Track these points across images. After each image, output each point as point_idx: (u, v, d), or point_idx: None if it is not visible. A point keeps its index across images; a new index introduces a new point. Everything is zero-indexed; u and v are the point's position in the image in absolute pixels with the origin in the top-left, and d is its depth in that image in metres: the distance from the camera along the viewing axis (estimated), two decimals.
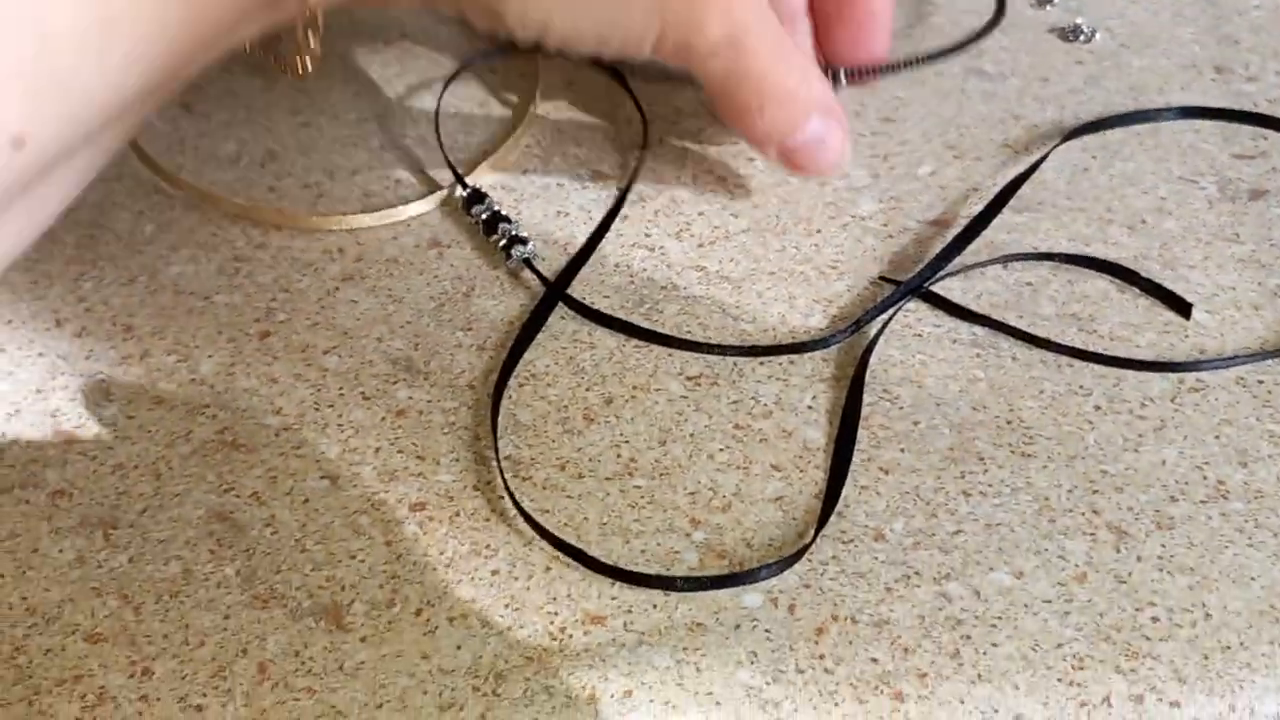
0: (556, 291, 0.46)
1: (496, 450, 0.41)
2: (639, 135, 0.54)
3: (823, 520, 0.39)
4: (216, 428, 0.43)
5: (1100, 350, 0.45)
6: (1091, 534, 0.39)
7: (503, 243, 0.48)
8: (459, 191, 0.50)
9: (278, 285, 0.47)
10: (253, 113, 0.55)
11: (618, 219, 0.50)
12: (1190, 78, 0.56)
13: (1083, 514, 0.40)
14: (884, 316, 0.46)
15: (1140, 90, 0.56)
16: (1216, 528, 0.40)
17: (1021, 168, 0.52)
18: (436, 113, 0.54)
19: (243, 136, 0.54)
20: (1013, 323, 0.46)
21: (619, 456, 0.42)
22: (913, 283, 0.46)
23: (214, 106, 0.55)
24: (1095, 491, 0.41)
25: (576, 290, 0.47)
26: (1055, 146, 0.52)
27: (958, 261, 0.48)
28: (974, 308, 0.46)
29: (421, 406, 0.43)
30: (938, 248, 0.48)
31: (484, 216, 0.49)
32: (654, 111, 0.55)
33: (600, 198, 0.51)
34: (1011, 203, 0.50)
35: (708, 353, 0.45)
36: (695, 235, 0.49)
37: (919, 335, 0.46)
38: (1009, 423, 0.43)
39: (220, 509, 0.40)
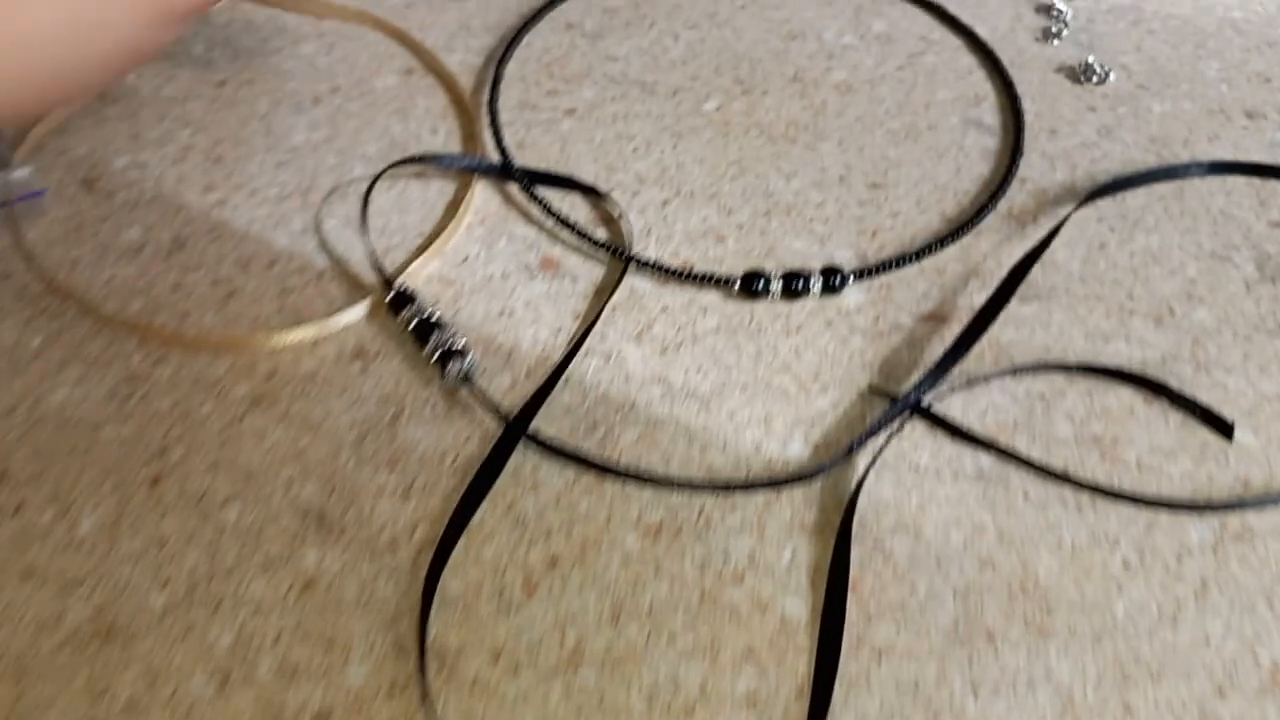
0: (515, 431, 0.37)
1: (423, 646, 0.32)
2: (597, 212, 0.44)
3: None
4: (92, 610, 0.34)
5: (1128, 484, 0.36)
6: None
7: (435, 355, 0.38)
8: (383, 294, 0.41)
9: (176, 412, 0.38)
10: (161, 189, 0.45)
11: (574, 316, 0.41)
12: (1218, 125, 0.46)
13: (1114, 716, 0.31)
14: (875, 441, 0.37)
15: (1162, 142, 0.46)
16: None
17: (1028, 243, 0.42)
18: (366, 196, 0.44)
19: (149, 220, 0.44)
20: (1024, 447, 0.37)
21: (563, 641, 0.33)
22: (908, 400, 0.37)
23: (118, 182, 0.46)
24: (1127, 679, 0.32)
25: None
26: (1066, 218, 0.42)
27: (959, 371, 0.38)
28: (978, 429, 0.37)
29: (333, 575, 0.34)
30: (935, 350, 0.39)
31: (413, 323, 0.39)
32: (618, 184, 0.45)
33: (550, 292, 0.41)
34: (1020, 291, 0.41)
35: (672, 490, 0.36)
36: (657, 338, 0.40)
37: (915, 467, 0.36)
38: (1023, 588, 0.34)
39: None
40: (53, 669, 0.33)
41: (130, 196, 0.45)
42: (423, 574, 0.34)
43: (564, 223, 0.42)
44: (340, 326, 0.41)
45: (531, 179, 0.44)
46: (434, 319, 0.40)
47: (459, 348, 0.39)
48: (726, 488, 0.36)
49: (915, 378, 0.38)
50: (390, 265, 0.42)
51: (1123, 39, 0.50)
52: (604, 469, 0.36)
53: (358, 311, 0.41)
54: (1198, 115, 0.47)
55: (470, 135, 0.47)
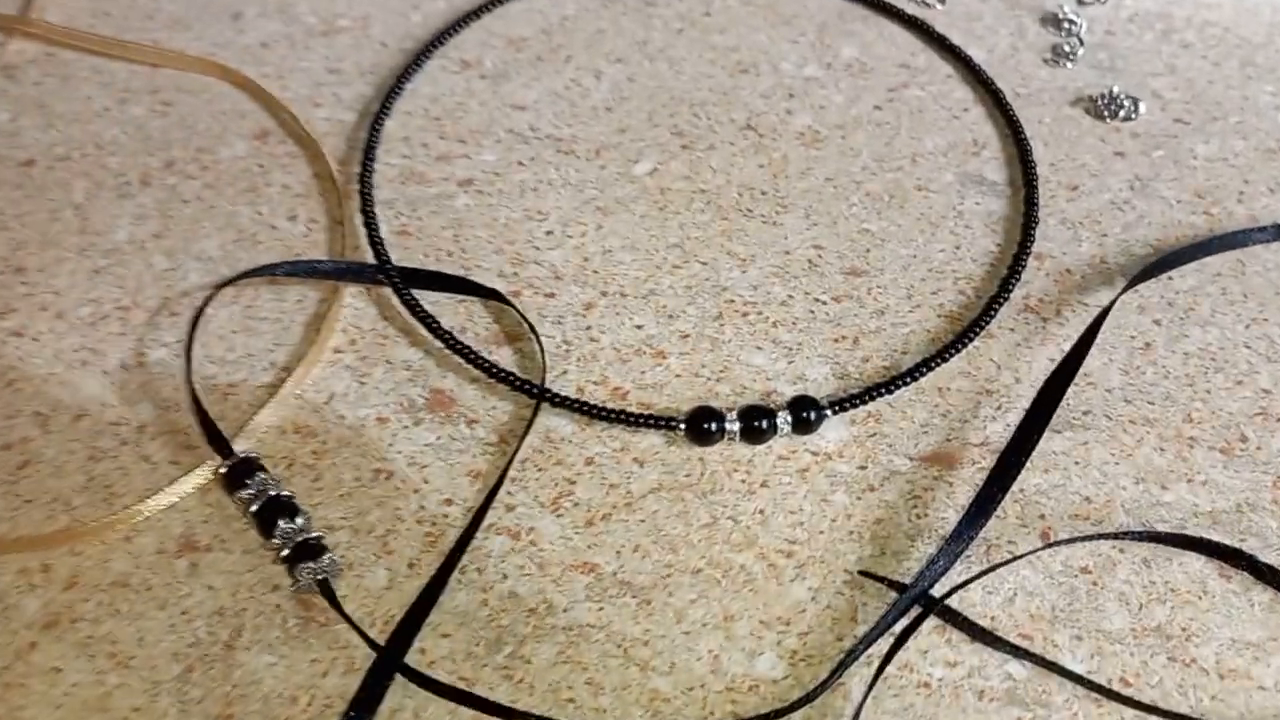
0: (389, 662, 0.28)
1: None
2: (502, 326, 0.35)
3: None
4: None
5: (1206, 699, 0.27)
6: None
7: (285, 551, 0.29)
8: (217, 465, 0.31)
9: None
10: None
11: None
12: (1279, 169, 0.37)
13: None
14: (873, 649, 0.28)
15: (1212, 197, 0.37)
16: None
17: (1053, 346, 0.33)
18: (192, 330, 0.35)
19: None
20: (1067, 649, 0.28)
21: None
22: (915, 590, 0.28)
23: None
24: None
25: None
26: (1105, 313, 0.33)
27: (977, 543, 0.29)
28: (1005, 622, 0.28)
29: None
30: (943, 507, 0.30)
31: (255, 507, 0.30)
32: (528, 281, 0.36)
33: (441, 443, 0.32)
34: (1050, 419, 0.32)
35: None
36: (581, 504, 0.31)
37: (925, 684, 0.28)
38: None
39: None
40: None
41: None
42: None
43: (458, 348, 0.33)
44: (163, 507, 0.31)
45: (411, 282, 0.35)
46: (282, 497, 0.30)
47: (313, 538, 0.30)
48: None
49: (919, 553, 0.29)
50: (232, 412, 0.33)
51: (1151, 57, 0.41)
52: (507, 715, 0.27)
53: (185, 486, 0.32)
54: (1253, 157, 0.38)
55: (338, 220, 0.38)
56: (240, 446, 0.32)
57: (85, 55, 0.43)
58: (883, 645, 0.28)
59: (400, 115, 0.41)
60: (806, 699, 0.27)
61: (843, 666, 0.28)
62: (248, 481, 0.31)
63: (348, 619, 0.29)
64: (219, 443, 0.32)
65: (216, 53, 0.43)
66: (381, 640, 0.29)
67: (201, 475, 0.32)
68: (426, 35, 0.43)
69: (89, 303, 0.36)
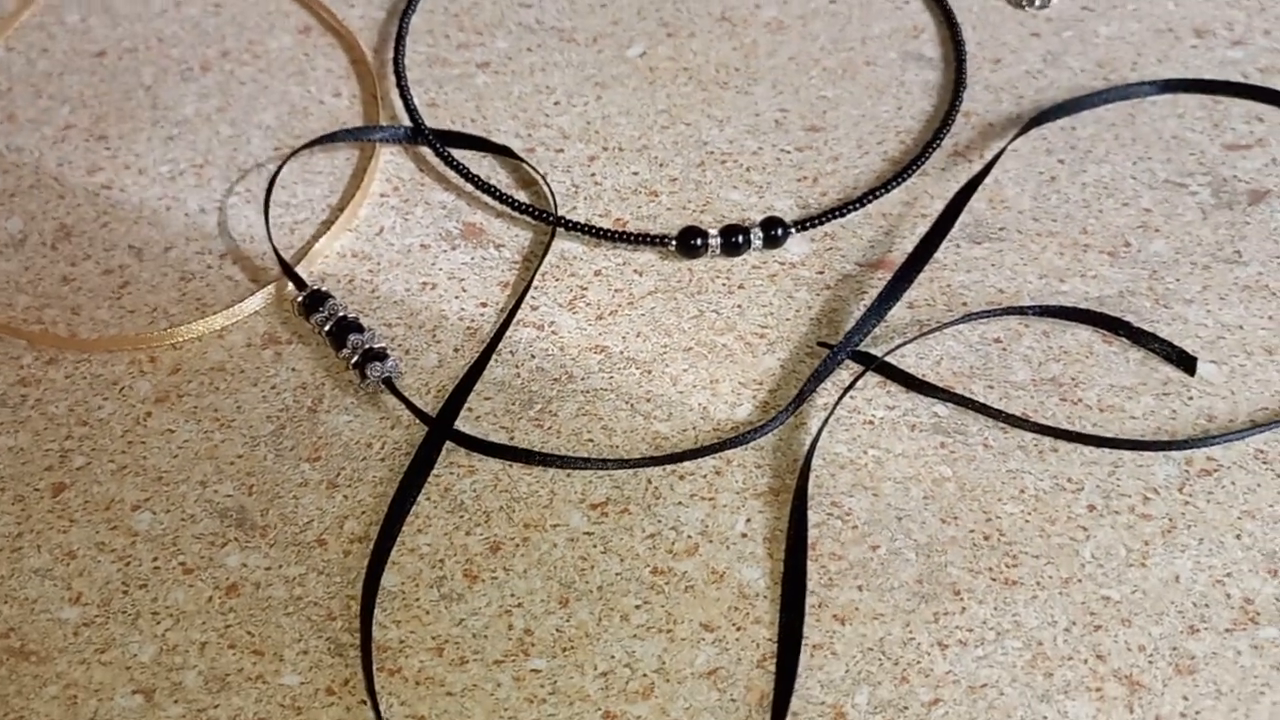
0: (441, 429, 0.37)
1: (367, 646, 0.33)
2: (520, 173, 0.45)
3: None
4: (1, 629, 0.34)
5: (1089, 425, 0.37)
6: (1098, 689, 0.32)
7: (355, 359, 0.39)
8: (294, 294, 0.41)
9: (74, 417, 0.39)
10: (41, 174, 0.45)
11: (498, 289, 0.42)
12: (1167, 45, 0.48)
13: (1085, 661, 0.33)
14: (827, 398, 0.38)
15: (1110, 66, 0.47)
16: (1249, 666, 0.33)
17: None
18: (269, 189, 0.44)
19: (30, 208, 0.44)
20: (981, 395, 0.38)
21: (511, 628, 0.34)
22: (849, 347, 0.38)
23: None
24: (1098, 628, 0.33)
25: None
26: (1007, 145, 0.44)
27: (911, 320, 0.40)
28: (933, 378, 0.38)
29: (259, 577, 0.35)
30: (892, 306, 0.40)
31: (328, 327, 0.40)
32: (540, 141, 0.46)
33: (475, 261, 0.42)
34: (969, 232, 0.42)
35: (614, 469, 0.37)
36: (592, 304, 0.41)
37: (870, 421, 0.38)
38: (987, 538, 0.35)
39: None
40: None
41: (8, 184, 0.45)
42: (355, 570, 0.35)
43: (485, 188, 0.43)
44: (248, 313, 0.41)
45: (445, 141, 0.45)
46: (349, 318, 0.40)
47: (377, 347, 0.39)
48: (670, 457, 0.37)
49: (857, 324, 0.39)
50: (298, 242, 0.42)
51: None
52: (542, 460, 0.37)
53: (266, 296, 0.41)
54: (1146, 36, 0.48)
55: (374, 97, 0.47)
56: (306, 270, 0.42)
57: None
58: (834, 395, 0.39)
59: (424, 13, 0.51)
60: (771, 422, 0.37)
61: (798, 401, 0.38)
62: (320, 308, 0.40)
63: (411, 405, 0.38)
64: (295, 279, 0.41)
65: None
66: (435, 409, 0.38)
67: (277, 290, 0.41)
68: None
69: (166, 162, 0.46)
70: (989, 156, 0.44)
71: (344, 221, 0.43)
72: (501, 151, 0.45)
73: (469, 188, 0.44)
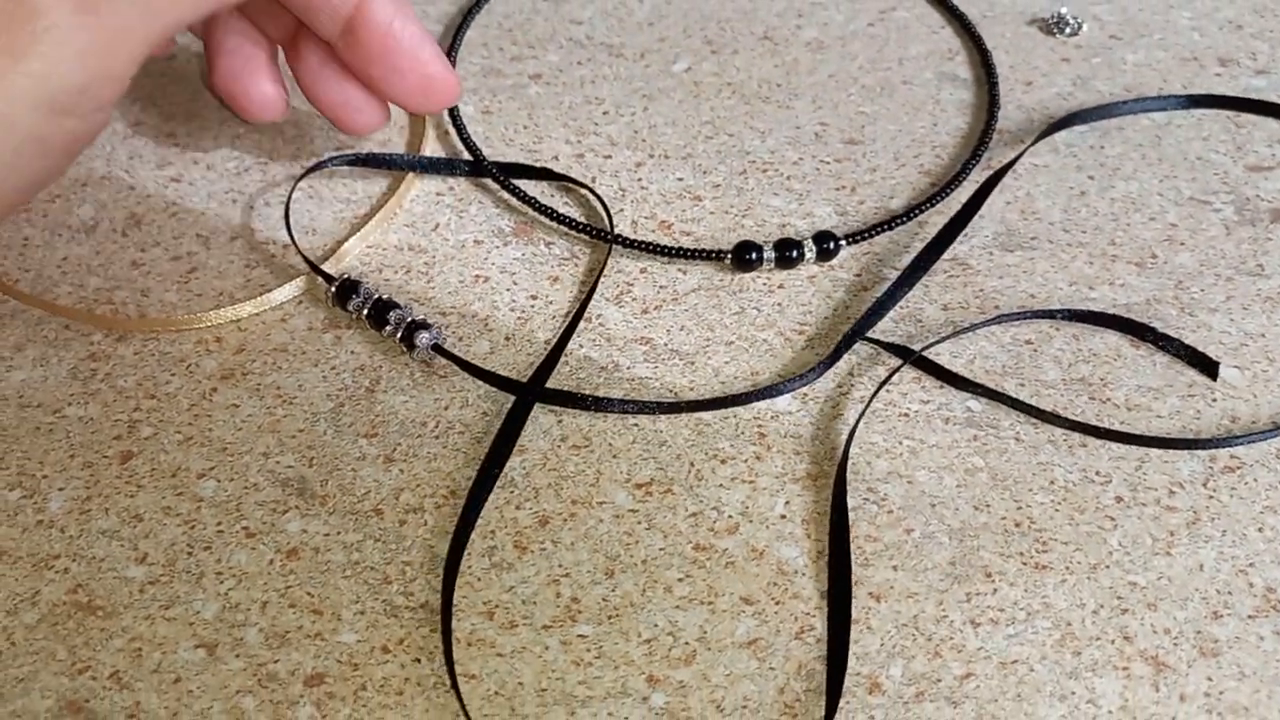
0: (533, 393, 0.39)
1: (447, 614, 0.34)
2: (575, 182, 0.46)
3: (832, 704, 0.33)
4: (69, 585, 0.36)
5: (1116, 423, 0.39)
6: (1125, 668, 0.33)
7: (399, 334, 0.40)
8: (326, 287, 0.42)
9: (142, 390, 0.40)
10: (113, 166, 0.47)
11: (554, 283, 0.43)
12: (1192, 73, 0.50)
13: (1112, 642, 0.34)
14: (863, 392, 0.39)
15: (1137, 91, 0.49)
16: (1271, 651, 0.34)
17: (1006, 193, 0.45)
18: (290, 196, 0.46)
19: (101, 198, 0.46)
20: (1013, 392, 0.39)
21: (558, 596, 0.35)
22: (860, 330, 0.40)
23: None
24: (1125, 611, 0.34)
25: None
26: (1040, 139, 0.45)
27: (945, 320, 0.41)
28: (967, 375, 0.40)
29: (318, 542, 0.36)
30: (919, 299, 0.42)
31: (366, 310, 0.41)
32: (589, 148, 0.47)
33: (526, 257, 0.44)
34: (1003, 240, 0.43)
35: (658, 413, 0.38)
36: (638, 299, 0.42)
37: (905, 414, 0.39)
38: (1018, 525, 0.36)
39: (74, 696, 0.33)
40: (31, 647, 0.34)
41: (80, 174, 0.47)
42: (410, 539, 0.36)
43: (544, 210, 0.44)
44: (277, 303, 0.42)
45: (505, 172, 0.46)
46: (385, 299, 0.41)
47: (419, 319, 0.40)
48: (723, 402, 0.38)
49: (877, 302, 0.40)
50: (350, 234, 0.44)
51: None
52: (624, 406, 0.38)
53: (295, 288, 0.43)
54: (1171, 64, 0.50)
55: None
56: (362, 261, 0.44)
57: None
58: (871, 389, 0.40)
59: (479, 27, 0.52)
60: (810, 372, 0.39)
61: (829, 360, 0.39)
62: (355, 294, 0.42)
63: (470, 366, 0.40)
64: (321, 273, 0.42)
65: None
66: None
67: (306, 281, 0.43)
68: None
69: (233, 158, 0.48)
70: (1020, 170, 0.46)
71: (376, 224, 0.44)
72: (560, 178, 0.46)
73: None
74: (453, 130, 0.48)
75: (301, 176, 0.45)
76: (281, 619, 0.35)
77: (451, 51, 0.51)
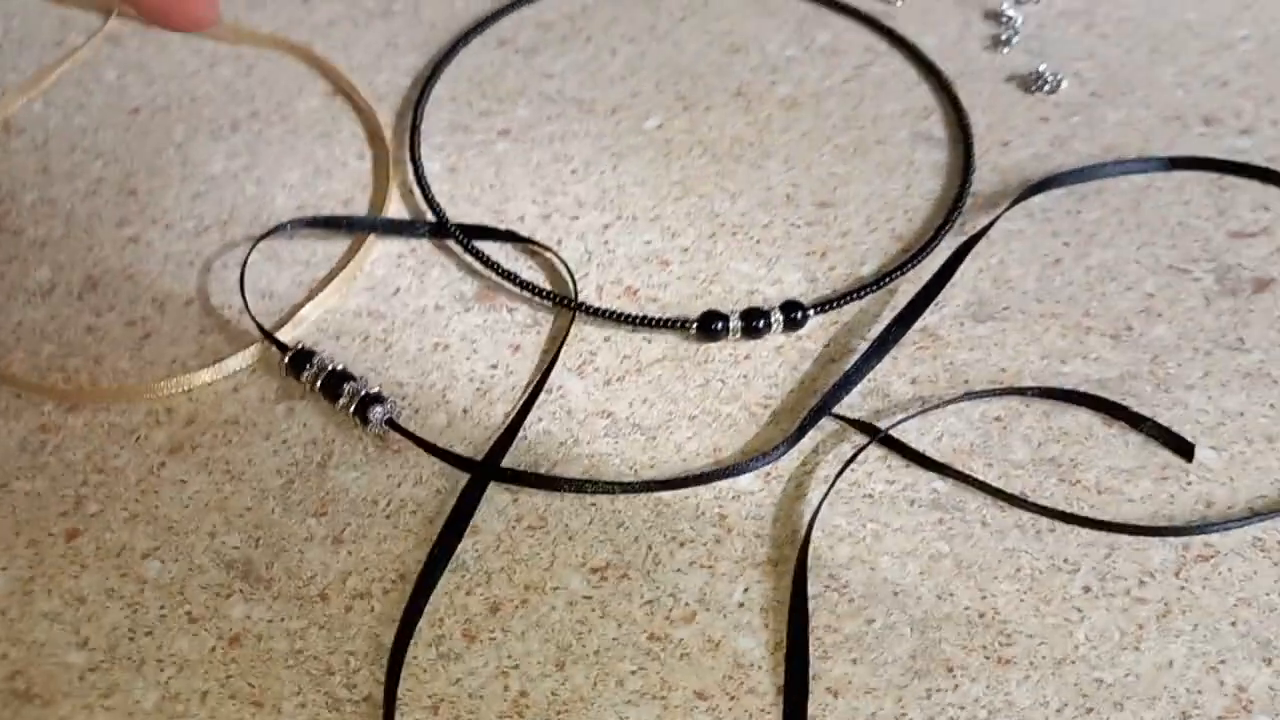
0: (489, 472, 0.38)
1: (390, 709, 0.33)
2: (537, 247, 0.46)
3: None
4: (7, 671, 0.35)
5: (1087, 507, 0.38)
6: None
7: (353, 408, 0.39)
8: (279, 357, 0.41)
9: (90, 464, 0.39)
10: (72, 226, 0.46)
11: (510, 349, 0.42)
12: (1175, 132, 0.49)
13: None
14: (827, 472, 0.38)
15: (1118, 151, 0.48)
16: None
17: (980, 260, 0.44)
18: (245, 260, 0.45)
19: (59, 259, 0.45)
20: (981, 473, 0.38)
21: (506, 690, 0.34)
22: (824, 406, 0.39)
23: (25, 219, 0.46)
24: (1090, 710, 0.33)
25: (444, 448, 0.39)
26: (1011, 206, 0.44)
27: (914, 397, 0.40)
28: (934, 453, 0.39)
29: (261, 629, 0.35)
30: (888, 372, 0.41)
31: (319, 381, 0.40)
32: (556, 208, 0.47)
33: (487, 325, 0.43)
34: (974, 310, 0.42)
35: (616, 492, 0.37)
36: (600, 369, 0.42)
37: (869, 495, 0.38)
38: (981, 616, 0.35)
39: None
40: None
41: (39, 234, 0.46)
42: (355, 626, 0.35)
43: (508, 275, 0.43)
44: (230, 371, 0.42)
45: (468, 234, 0.45)
46: (339, 369, 0.40)
47: (373, 392, 0.40)
48: (664, 484, 0.37)
49: (845, 375, 0.40)
50: (307, 299, 0.43)
51: (1074, 45, 0.52)
52: (582, 485, 0.37)
53: (250, 356, 0.42)
54: (1154, 123, 0.49)
55: (385, 176, 0.48)
56: (320, 328, 0.43)
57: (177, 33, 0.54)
58: (836, 468, 0.39)
59: (448, 81, 0.52)
60: (774, 452, 0.38)
61: (794, 437, 0.38)
62: (308, 365, 0.41)
63: (425, 443, 0.39)
64: (275, 342, 0.41)
65: (290, 28, 0.54)
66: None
67: (260, 350, 0.42)
68: (470, 20, 0.54)
69: (192, 217, 0.47)
70: (994, 236, 0.45)
71: (334, 288, 0.43)
72: (525, 241, 0.45)
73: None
74: (416, 189, 0.47)
75: (258, 240, 0.45)
76: (221, 710, 0.34)
77: (418, 106, 0.50)
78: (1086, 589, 0.36)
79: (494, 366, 0.42)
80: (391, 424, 0.39)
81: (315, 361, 0.40)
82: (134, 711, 0.34)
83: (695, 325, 0.42)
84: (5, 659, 0.35)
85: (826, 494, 0.38)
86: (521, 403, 0.40)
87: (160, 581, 0.36)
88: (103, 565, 0.37)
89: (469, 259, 0.45)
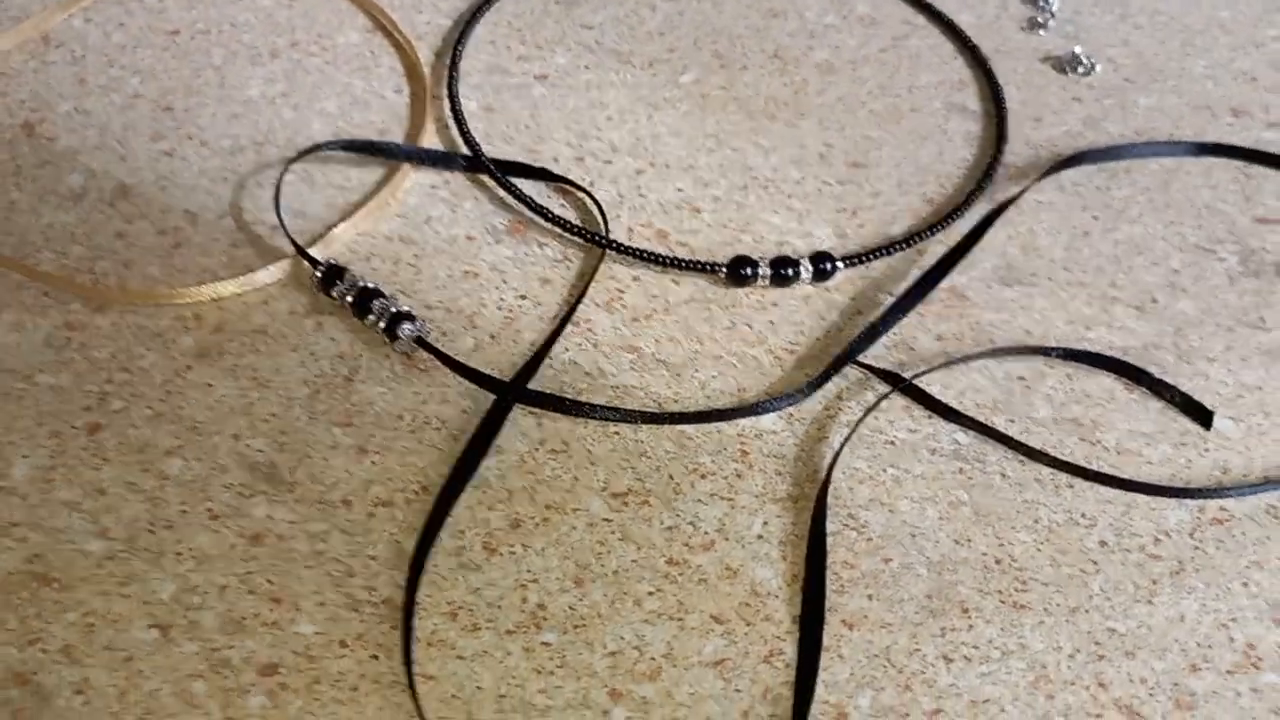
0: (515, 392, 0.38)
1: (409, 611, 0.34)
2: (571, 185, 0.46)
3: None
4: (26, 554, 0.35)
5: (1106, 466, 0.38)
6: (1098, 715, 0.33)
7: (381, 324, 0.40)
8: (310, 271, 0.41)
9: (115, 363, 0.39)
10: (106, 136, 0.46)
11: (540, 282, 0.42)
12: (1204, 121, 0.49)
13: (1087, 688, 0.33)
14: (850, 417, 0.39)
15: (1148, 135, 0.49)
16: (1248, 708, 0.33)
17: (1010, 226, 0.45)
18: (280, 179, 0.45)
19: (92, 166, 0.45)
20: (1002, 427, 0.39)
21: (525, 602, 0.34)
22: (849, 354, 0.39)
23: (60, 128, 0.47)
24: (1101, 657, 0.34)
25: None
26: (1043, 177, 0.45)
27: (939, 351, 0.40)
28: (957, 407, 0.39)
29: (283, 529, 0.35)
30: (912, 327, 0.41)
31: (350, 297, 0.40)
32: (590, 152, 0.47)
33: (518, 256, 0.43)
34: (1001, 274, 0.43)
35: (640, 422, 0.38)
36: (629, 307, 0.42)
37: (891, 442, 0.38)
38: (998, 562, 0.36)
39: (21, 668, 0.32)
40: None
41: (73, 143, 0.46)
42: (376, 532, 0.35)
43: (540, 210, 0.44)
44: (260, 284, 0.42)
45: (504, 170, 0.45)
46: (370, 286, 0.40)
47: (403, 310, 0.40)
48: (713, 416, 0.38)
49: (868, 328, 0.40)
50: (341, 220, 0.43)
51: (1109, 32, 0.53)
52: (607, 413, 0.37)
53: (281, 270, 0.42)
54: (1184, 111, 0.50)
55: (422, 105, 0.48)
56: (351, 249, 0.43)
57: None
58: (859, 414, 0.39)
59: (488, 24, 0.52)
60: (796, 394, 0.38)
61: (818, 381, 0.38)
62: (339, 280, 0.41)
63: (452, 362, 0.39)
64: (308, 257, 0.42)
65: None
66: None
67: (293, 265, 0.42)
68: None
69: (228, 137, 0.47)
70: (1023, 205, 0.45)
71: (368, 212, 0.44)
72: (558, 179, 0.45)
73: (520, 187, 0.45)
74: (452, 124, 0.47)
75: (295, 159, 0.45)
76: (239, 605, 0.34)
77: (458, 45, 0.50)
78: (1103, 543, 0.36)
79: (523, 297, 0.42)
80: (420, 342, 0.39)
81: (346, 278, 0.41)
82: (150, 600, 0.34)
83: (725, 269, 0.42)
84: (25, 542, 0.35)
85: (848, 437, 0.38)
86: (551, 331, 0.40)
87: (182, 479, 0.37)
88: (125, 460, 0.37)
89: (502, 193, 0.45)
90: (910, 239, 0.44)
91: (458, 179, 0.46)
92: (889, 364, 0.40)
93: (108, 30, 0.51)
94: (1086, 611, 0.35)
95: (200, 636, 0.33)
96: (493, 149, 0.47)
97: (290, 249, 0.42)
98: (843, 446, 0.38)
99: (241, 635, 0.33)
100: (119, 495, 0.36)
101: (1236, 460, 0.38)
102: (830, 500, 0.37)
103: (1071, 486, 0.38)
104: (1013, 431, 0.39)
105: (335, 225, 0.43)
